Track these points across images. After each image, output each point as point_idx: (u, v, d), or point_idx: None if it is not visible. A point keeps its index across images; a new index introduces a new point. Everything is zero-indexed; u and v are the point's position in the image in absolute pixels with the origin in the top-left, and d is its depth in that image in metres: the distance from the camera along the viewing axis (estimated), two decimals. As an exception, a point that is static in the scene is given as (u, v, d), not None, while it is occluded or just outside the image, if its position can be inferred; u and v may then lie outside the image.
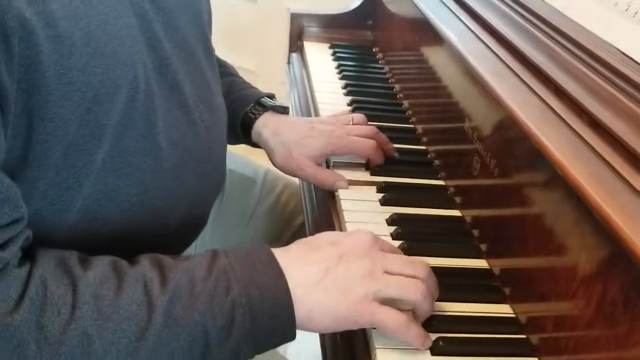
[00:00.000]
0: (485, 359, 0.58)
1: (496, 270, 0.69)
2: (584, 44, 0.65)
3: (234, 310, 0.53)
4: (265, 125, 0.85)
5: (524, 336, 0.61)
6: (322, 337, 0.67)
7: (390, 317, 0.56)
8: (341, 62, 1.22)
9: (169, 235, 0.66)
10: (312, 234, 0.67)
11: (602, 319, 0.50)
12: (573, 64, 0.64)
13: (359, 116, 0.89)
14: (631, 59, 0.60)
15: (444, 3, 0.95)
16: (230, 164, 0.93)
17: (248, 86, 0.92)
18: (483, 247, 0.72)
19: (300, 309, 0.55)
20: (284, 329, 0.55)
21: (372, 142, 0.84)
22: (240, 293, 0.53)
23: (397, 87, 1.13)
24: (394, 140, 0.91)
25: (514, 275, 0.66)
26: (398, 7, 1.17)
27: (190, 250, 0.76)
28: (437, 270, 0.67)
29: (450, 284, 0.66)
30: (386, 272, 0.58)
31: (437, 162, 0.90)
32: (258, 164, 1.05)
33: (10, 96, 0.48)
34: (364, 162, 0.86)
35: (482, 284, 0.68)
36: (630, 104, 0.54)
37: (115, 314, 0.50)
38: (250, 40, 2.20)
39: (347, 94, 1.09)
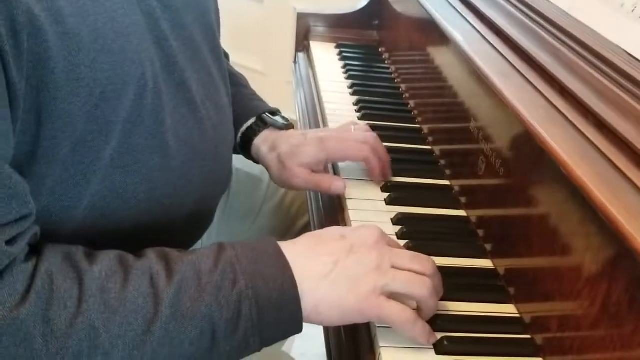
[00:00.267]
0: (490, 359, 0.58)
1: (501, 270, 0.69)
2: (590, 45, 0.65)
3: (240, 302, 0.53)
4: (264, 142, 0.84)
5: (528, 336, 0.61)
6: (327, 336, 0.67)
7: (397, 312, 0.56)
8: (347, 62, 1.22)
9: (176, 232, 0.66)
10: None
11: (607, 318, 0.50)
12: (579, 64, 0.64)
13: (361, 126, 0.86)
14: (637, 59, 0.60)
15: (450, 3, 0.95)
16: (236, 163, 0.93)
17: (250, 99, 0.91)
18: (488, 247, 0.73)
19: (308, 301, 0.55)
20: (291, 321, 0.55)
21: (367, 147, 0.80)
22: (246, 285, 0.53)
23: (403, 87, 1.13)
24: (400, 140, 0.91)
25: (519, 275, 0.66)
26: (404, 7, 1.17)
27: (196, 247, 0.76)
28: (442, 270, 0.67)
29: (455, 284, 0.66)
30: (393, 267, 0.58)
31: (442, 161, 0.90)
32: (264, 163, 1.05)
33: (19, 92, 0.48)
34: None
35: (487, 283, 0.68)
36: (636, 105, 0.55)
37: (122, 307, 0.50)
38: (257, 40, 2.21)
39: (353, 94, 1.10)
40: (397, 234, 0.74)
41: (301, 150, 0.80)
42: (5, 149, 0.49)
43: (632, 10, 0.69)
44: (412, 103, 1.07)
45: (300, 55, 1.30)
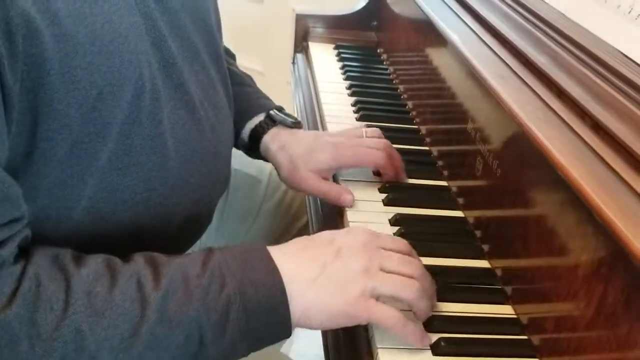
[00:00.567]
0: (486, 359, 0.58)
1: (498, 271, 0.69)
2: (587, 46, 0.65)
3: (228, 306, 0.53)
4: (273, 139, 0.83)
5: (525, 337, 0.61)
6: (325, 337, 0.67)
7: (387, 314, 0.56)
8: (346, 63, 1.22)
9: (174, 233, 0.67)
10: (315, 232, 0.68)
11: (603, 319, 0.51)
12: (575, 66, 0.64)
13: (373, 129, 0.85)
14: (633, 61, 0.61)
15: (447, 5, 0.95)
16: (235, 164, 0.93)
17: (256, 96, 0.90)
18: (485, 247, 0.73)
19: (296, 306, 0.55)
20: (279, 325, 0.55)
21: (381, 153, 0.80)
22: (234, 289, 0.53)
23: (401, 88, 1.13)
24: (398, 140, 0.91)
25: (516, 276, 0.66)
26: (402, 9, 1.18)
27: (194, 248, 0.77)
28: (439, 270, 0.68)
29: (452, 284, 0.67)
30: (382, 270, 0.58)
31: (440, 162, 0.90)
32: (263, 163, 1.05)
33: (13, 94, 0.48)
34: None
35: (484, 284, 0.69)
36: (632, 107, 0.55)
37: (109, 311, 0.50)
38: (256, 41, 2.21)
39: (351, 95, 1.10)
40: (395, 235, 0.74)
41: (315, 156, 0.80)
42: None
43: (629, 12, 0.69)
44: (410, 104, 1.07)
45: (299, 56, 1.31)
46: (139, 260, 0.55)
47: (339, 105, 1.05)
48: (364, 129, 0.85)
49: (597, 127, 0.57)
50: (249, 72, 0.98)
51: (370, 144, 0.81)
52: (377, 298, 0.57)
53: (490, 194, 0.73)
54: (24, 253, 0.52)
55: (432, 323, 0.60)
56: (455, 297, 0.65)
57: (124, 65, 0.55)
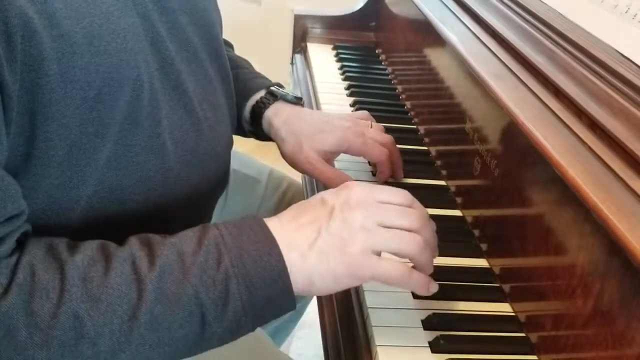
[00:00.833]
0: (486, 357, 0.59)
1: (496, 270, 0.70)
2: (584, 46, 0.66)
3: (227, 280, 0.52)
4: (276, 114, 0.82)
5: (523, 334, 0.62)
6: (324, 335, 0.68)
7: (391, 268, 0.55)
8: (344, 63, 1.22)
9: (173, 233, 0.67)
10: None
11: (600, 317, 0.51)
12: (572, 65, 0.64)
13: (378, 125, 0.84)
14: (630, 60, 0.61)
15: (445, 5, 0.96)
16: (234, 164, 0.93)
17: (254, 76, 0.89)
18: (483, 246, 0.73)
19: (299, 274, 0.54)
20: (282, 296, 0.54)
21: (384, 150, 0.80)
22: (232, 263, 0.52)
23: (399, 88, 1.14)
24: (397, 140, 0.91)
25: (514, 274, 0.66)
26: (401, 9, 1.18)
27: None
28: (438, 269, 0.68)
29: (451, 283, 0.67)
30: (380, 225, 0.56)
31: (438, 162, 0.91)
32: (262, 163, 1.06)
33: (12, 95, 0.48)
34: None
35: (483, 282, 0.69)
36: (629, 105, 0.55)
37: (105, 295, 0.50)
38: (254, 41, 2.21)
39: (350, 95, 1.10)
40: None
41: (322, 137, 0.78)
42: None
43: (626, 11, 0.69)
44: (408, 104, 1.08)
45: (298, 56, 1.31)
46: (133, 242, 0.54)
47: (337, 106, 1.06)
48: (370, 122, 0.84)
49: (594, 126, 0.57)
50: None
51: (377, 137, 0.80)
52: (379, 254, 0.56)
53: (489, 193, 0.74)
54: (19, 245, 0.52)
55: (431, 321, 0.61)
56: (454, 295, 0.65)
57: (122, 65, 0.55)
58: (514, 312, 0.64)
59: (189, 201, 0.67)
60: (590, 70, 0.62)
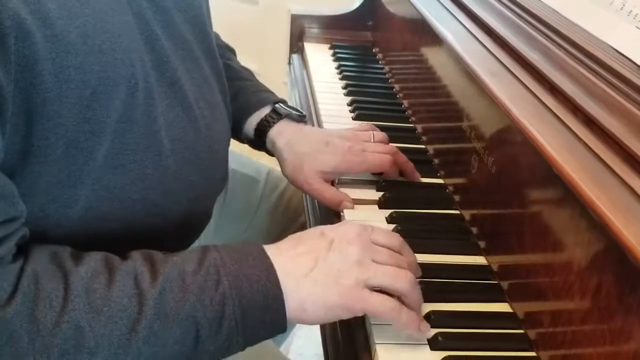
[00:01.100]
0: (484, 354, 0.59)
1: (494, 267, 0.70)
2: (579, 43, 0.66)
3: (224, 302, 0.54)
4: (280, 133, 0.83)
5: (522, 331, 0.62)
6: (324, 334, 0.68)
7: (382, 303, 0.57)
8: (341, 63, 1.22)
9: (172, 232, 0.67)
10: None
11: (597, 312, 0.51)
12: (568, 62, 0.65)
13: (380, 134, 0.85)
14: (625, 57, 0.61)
15: (441, 3, 0.96)
16: (232, 164, 0.93)
17: (258, 89, 0.90)
18: (481, 244, 0.73)
19: (292, 301, 0.56)
20: (275, 320, 0.56)
21: (388, 157, 0.81)
22: (230, 285, 0.54)
23: (397, 87, 1.14)
24: (394, 139, 0.92)
25: (512, 271, 0.67)
26: (398, 8, 1.18)
27: (193, 247, 0.77)
28: (436, 267, 0.69)
29: (449, 280, 0.67)
30: (374, 262, 0.58)
31: (436, 160, 0.91)
32: (261, 163, 1.06)
33: (7, 95, 0.49)
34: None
35: (481, 280, 0.69)
36: (623, 101, 0.55)
37: (107, 307, 0.51)
38: (252, 42, 2.21)
39: (347, 94, 1.10)
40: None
41: (322, 157, 0.80)
42: None
43: (621, 8, 0.70)
44: (405, 103, 1.08)
45: (295, 56, 1.31)
46: (136, 257, 0.55)
47: (335, 105, 1.06)
48: (372, 132, 0.85)
49: (590, 123, 0.57)
50: (246, 70, 0.98)
51: (377, 149, 0.82)
52: (371, 289, 0.57)
53: (486, 190, 0.74)
54: (22, 251, 0.53)
55: (430, 318, 0.61)
56: (453, 292, 0.66)
57: (117, 64, 0.55)
58: (513, 309, 0.65)
59: (187, 199, 0.67)
60: (586, 67, 0.63)
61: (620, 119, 0.55)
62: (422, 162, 0.91)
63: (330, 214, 0.80)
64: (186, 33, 0.67)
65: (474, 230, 0.76)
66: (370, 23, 1.35)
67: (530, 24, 0.75)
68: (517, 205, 0.66)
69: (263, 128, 0.84)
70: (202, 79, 0.70)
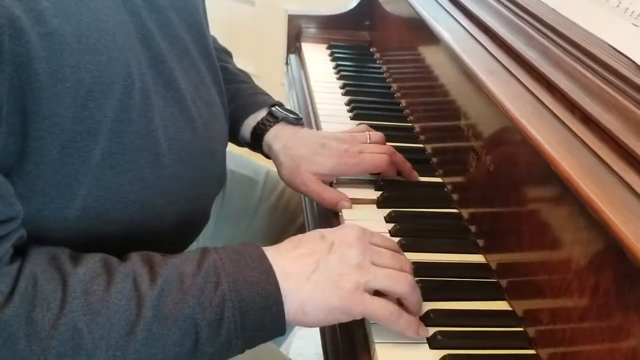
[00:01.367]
0: (484, 352, 0.59)
1: (493, 265, 0.70)
2: (576, 41, 0.66)
3: (223, 304, 0.54)
4: (276, 137, 0.83)
5: (521, 329, 0.62)
6: (323, 334, 0.68)
7: (381, 307, 0.57)
8: (339, 63, 1.22)
9: (170, 232, 0.67)
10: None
11: (596, 310, 0.51)
12: (565, 60, 0.65)
13: (376, 134, 0.85)
14: (622, 54, 0.61)
15: (438, 2, 0.96)
16: (231, 165, 0.93)
17: (255, 92, 0.90)
18: (480, 242, 0.73)
19: (291, 303, 0.56)
20: (274, 323, 0.56)
21: (385, 157, 0.81)
22: (229, 287, 0.54)
23: (394, 86, 1.14)
24: (392, 138, 0.92)
25: (511, 269, 0.67)
26: (395, 7, 1.18)
27: (191, 249, 0.77)
28: (435, 266, 0.69)
29: (448, 279, 0.67)
30: (374, 264, 0.59)
31: (434, 159, 0.91)
32: (259, 164, 1.06)
33: (2, 94, 0.48)
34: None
35: (480, 278, 0.69)
36: (621, 98, 0.55)
37: (105, 309, 0.51)
38: (249, 42, 2.21)
39: (345, 94, 1.10)
40: (390, 232, 0.75)
41: (318, 160, 0.80)
42: None
43: (617, 5, 0.70)
44: (403, 102, 1.08)
45: (292, 56, 1.31)
46: (135, 259, 0.55)
47: (332, 105, 1.06)
48: (368, 133, 0.85)
49: (588, 120, 0.57)
50: (243, 72, 0.98)
51: (374, 150, 0.82)
52: (371, 293, 0.57)
53: (484, 189, 0.74)
54: (20, 253, 0.53)
55: (429, 317, 0.61)
56: (452, 291, 0.66)
57: (112, 62, 0.55)
58: (511, 307, 0.65)
59: (184, 199, 0.67)
60: (583, 65, 0.63)
61: (617, 116, 0.55)
62: (420, 161, 0.91)
63: (329, 214, 0.80)
64: (182, 32, 0.67)
65: (473, 228, 0.76)
66: (367, 23, 1.35)
67: (527, 21, 0.75)
68: (515, 203, 0.66)
69: (259, 131, 0.85)
70: (199, 78, 0.70)
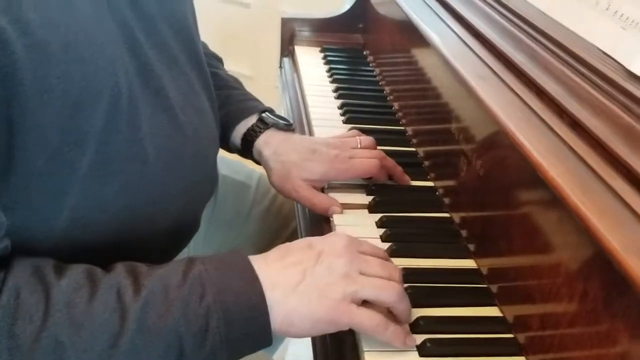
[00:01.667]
0: (473, 359, 0.59)
1: (484, 270, 0.70)
2: (565, 44, 0.66)
3: (208, 316, 0.53)
4: (266, 143, 0.83)
5: (511, 335, 0.62)
6: (314, 342, 0.67)
7: (368, 318, 0.56)
8: (332, 66, 1.22)
9: (160, 241, 0.67)
10: (303, 237, 0.68)
11: (585, 316, 0.51)
12: (554, 64, 0.64)
13: (367, 139, 0.85)
14: (611, 58, 0.61)
15: (428, 5, 0.96)
16: (223, 169, 0.93)
17: (246, 98, 0.90)
18: (471, 246, 0.73)
19: (277, 314, 0.55)
20: (260, 334, 0.55)
21: (375, 162, 0.81)
22: (214, 299, 0.53)
23: (387, 89, 1.14)
24: (385, 142, 0.92)
25: (502, 274, 0.66)
26: (387, 11, 1.18)
27: (183, 255, 0.77)
28: (426, 271, 0.68)
29: (438, 284, 0.67)
30: (362, 274, 0.58)
31: (426, 163, 0.90)
32: (252, 168, 1.05)
33: None
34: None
35: (471, 283, 0.69)
36: (610, 104, 0.55)
37: (88, 322, 0.50)
38: (244, 45, 2.21)
39: (338, 97, 1.10)
40: (381, 237, 0.74)
41: (309, 166, 0.80)
42: None
43: (607, 8, 0.69)
44: (396, 105, 1.08)
45: (286, 60, 1.31)
46: (119, 270, 0.55)
47: (325, 108, 1.06)
48: (358, 138, 0.85)
49: (576, 125, 0.57)
50: (237, 77, 0.98)
51: (364, 155, 0.82)
52: (359, 303, 0.57)
53: (475, 193, 0.74)
54: (3, 264, 0.52)
55: (418, 324, 0.61)
56: (442, 297, 0.65)
57: (100, 73, 0.55)
58: (502, 313, 0.64)
59: (174, 207, 0.67)
60: (572, 69, 0.62)
61: (605, 122, 0.55)
62: (412, 164, 0.91)
63: (321, 219, 0.80)
64: (170, 40, 0.67)
65: (464, 233, 0.76)
66: (360, 26, 1.35)
67: (517, 25, 0.75)
68: (506, 208, 0.66)
69: (250, 137, 0.85)
70: (188, 86, 0.69)
